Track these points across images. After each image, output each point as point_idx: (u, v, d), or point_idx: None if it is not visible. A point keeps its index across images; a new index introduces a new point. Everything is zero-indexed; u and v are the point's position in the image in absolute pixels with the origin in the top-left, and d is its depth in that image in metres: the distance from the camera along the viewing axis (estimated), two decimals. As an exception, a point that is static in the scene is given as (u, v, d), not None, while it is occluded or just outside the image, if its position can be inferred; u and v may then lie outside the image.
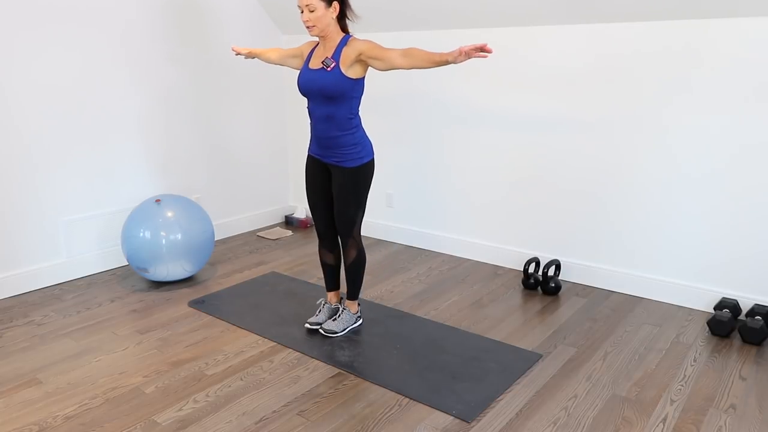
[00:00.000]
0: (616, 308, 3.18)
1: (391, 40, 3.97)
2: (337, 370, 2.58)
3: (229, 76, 4.28)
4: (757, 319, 2.76)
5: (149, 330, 2.98)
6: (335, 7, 2.55)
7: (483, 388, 2.42)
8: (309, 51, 2.73)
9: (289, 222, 4.80)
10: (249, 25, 4.34)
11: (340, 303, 3.03)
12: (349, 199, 2.71)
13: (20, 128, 3.30)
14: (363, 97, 4.20)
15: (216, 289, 3.47)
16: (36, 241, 3.46)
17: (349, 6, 2.62)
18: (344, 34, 2.62)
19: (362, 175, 2.69)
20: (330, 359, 2.66)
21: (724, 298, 3.01)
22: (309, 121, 2.74)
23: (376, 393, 2.41)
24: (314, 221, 2.89)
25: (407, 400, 2.36)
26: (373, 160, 2.73)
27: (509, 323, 3.02)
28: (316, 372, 2.57)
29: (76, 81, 3.49)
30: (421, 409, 2.30)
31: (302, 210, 4.77)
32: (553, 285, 3.33)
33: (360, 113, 4.23)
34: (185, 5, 3.93)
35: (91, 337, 2.92)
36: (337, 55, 2.56)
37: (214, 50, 4.15)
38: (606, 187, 3.32)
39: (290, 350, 2.77)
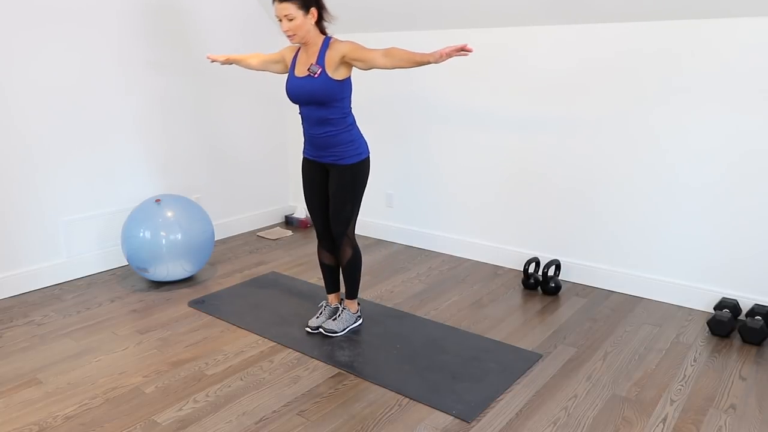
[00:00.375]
0: (616, 308, 3.18)
1: (381, 40, 3.97)
2: (337, 370, 2.58)
3: (229, 75, 4.29)
4: (757, 319, 2.76)
5: (149, 330, 2.98)
6: (313, 13, 2.54)
7: (483, 388, 2.43)
8: (291, 57, 2.72)
9: (289, 222, 4.80)
10: (249, 24, 4.34)
11: (340, 304, 3.03)
12: (346, 197, 2.72)
13: (20, 128, 3.30)
14: (363, 97, 4.21)
15: (216, 289, 3.47)
16: (36, 241, 3.46)
17: (326, 9, 2.62)
18: (324, 36, 2.62)
19: (360, 172, 2.71)
20: (330, 359, 2.66)
21: (724, 298, 3.01)
22: (301, 124, 2.74)
23: (376, 393, 2.41)
24: (313, 222, 2.89)
25: (407, 400, 2.36)
26: (369, 157, 2.74)
27: (509, 323, 3.02)
28: (316, 372, 2.58)
29: (76, 81, 3.48)
30: (421, 409, 2.30)
31: (302, 210, 4.77)
32: (553, 285, 3.33)
33: (354, 112, 4.23)
34: (185, 5, 3.93)
35: (91, 337, 2.92)
36: (321, 60, 2.56)
37: (214, 50, 4.15)
38: (606, 187, 3.32)
39: (290, 350, 2.77)
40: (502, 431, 2.16)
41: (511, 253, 3.76)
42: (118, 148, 3.74)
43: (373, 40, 4.05)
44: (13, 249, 3.37)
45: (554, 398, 2.36)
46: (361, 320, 3.00)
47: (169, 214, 3.37)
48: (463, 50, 2.28)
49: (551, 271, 3.49)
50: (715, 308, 2.99)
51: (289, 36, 2.56)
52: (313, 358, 2.69)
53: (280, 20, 2.53)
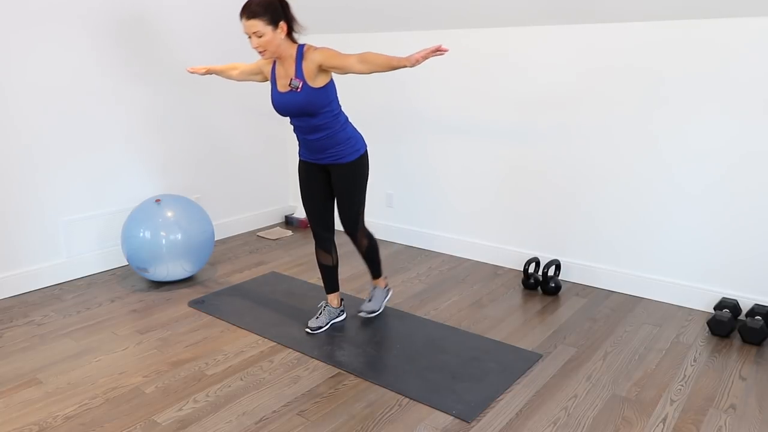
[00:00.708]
0: (616, 308, 3.18)
1: (379, 40, 3.97)
2: (337, 370, 2.58)
3: (229, 76, 4.28)
4: (757, 319, 2.76)
5: (149, 330, 2.98)
6: (282, 27, 2.48)
7: (483, 388, 2.43)
8: (269, 69, 2.68)
9: (289, 222, 4.80)
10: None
11: (341, 304, 3.03)
12: (353, 192, 2.74)
13: (20, 128, 3.30)
14: (363, 98, 4.21)
15: (216, 289, 3.47)
16: (36, 241, 3.46)
17: (296, 20, 2.57)
18: (297, 45, 2.56)
19: (361, 166, 2.72)
20: (330, 359, 2.66)
21: (724, 298, 3.01)
22: (294, 131, 2.74)
23: (376, 393, 2.41)
24: (310, 224, 2.88)
25: (407, 400, 2.36)
26: (366, 150, 2.76)
27: (509, 323, 3.02)
28: (316, 372, 2.58)
29: (76, 81, 3.48)
30: (421, 409, 2.30)
31: (302, 210, 4.77)
32: (553, 285, 3.33)
33: (354, 112, 4.24)
34: (184, 5, 3.93)
35: (91, 337, 2.92)
36: (299, 73, 2.53)
37: (213, 50, 4.15)
38: (606, 187, 3.32)
39: (290, 350, 2.77)
40: (502, 431, 2.16)
41: (511, 253, 3.76)
42: (119, 148, 3.74)
43: (370, 41, 4.05)
44: (13, 249, 3.37)
45: (554, 398, 2.36)
46: (391, 291, 3.16)
47: (169, 214, 3.37)
48: (438, 51, 2.29)
49: (551, 271, 3.49)
50: (715, 308, 2.99)
51: (260, 52, 2.51)
52: (313, 358, 2.69)
53: (249, 37, 2.48)
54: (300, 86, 2.53)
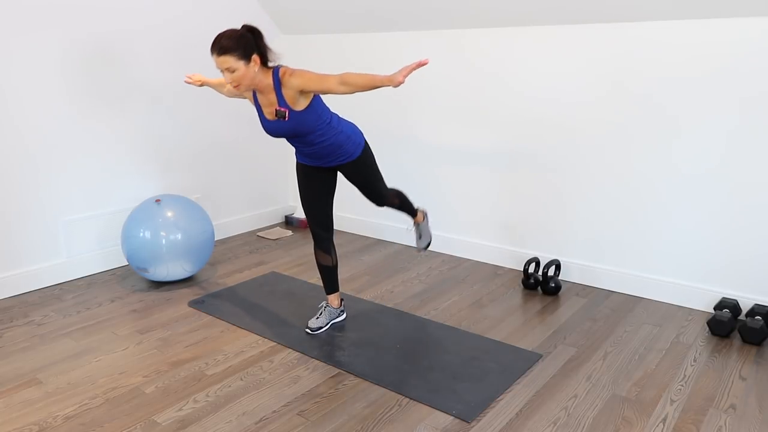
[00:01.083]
0: (616, 308, 3.18)
1: (377, 40, 3.97)
2: (337, 370, 2.58)
3: (229, 76, 4.28)
4: (757, 319, 2.76)
5: (149, 330, 2.98)
6: (256, 60, 2.43)
7: (483, 388, 2.43)
8: (251, 96, 2.63)
9: (289, 222, 4.80)
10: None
11: (341, 304, 3.03)
12: (369, 178, 2.81)
13: (21, 128, 3.30)
14: (363, 98, 4.20)
15: (216, 289, 3.47)
16: (36, 241, 3.46)
17: (269, 49, 2.50)
18: (272, 71, 2.50)
19: (367, 156, 2.77)
20: (330, 359, 2.66)
21: (724, 298, 3.01)
22: (291, 144, 2.73)
23: (376, 393, 2.41)
24: (309, 224, 2.88)
25: (407, 400, 2.36)
26: (365, 139, 2.78)
27: (509, 323, 3.02)
28: (316, 372, 2.58)
29: (76, 81, 3.48)
30: (421, 409, 2.30)
31: (302, 210, 4.77)
32: (553, 285, 3.33)
33: (354, 113, 4.23)
34: (183, 4, 3.93)
35: (91, 337, 2.92)
36: (282, 102, 2.49)
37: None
38: (606, 187, 3.32)
39: (290, 350, 2.77)
40: (502, 431, 2.16)
41: (511, 253, 3.76)
42: (119, 148, 3.74)
43: (365, 41, 4.05)
44: (13, 249, 3.37)
45: (554, 398, 2.36)
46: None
47: (169, 214, 3.37)
48: (419, 65, 2.26)
49: (551, 271, 3.49)
50: (715, 308, 2.99)
51: (234, 87, 2.47)
52: (313, 358, 2.69)
53: (222, 71, 2.45)
54: (286, 114, 2.50)
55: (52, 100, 3.40)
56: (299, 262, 3.93)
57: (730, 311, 2.93)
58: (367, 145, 2.78)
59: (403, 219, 4.23)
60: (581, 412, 2.27)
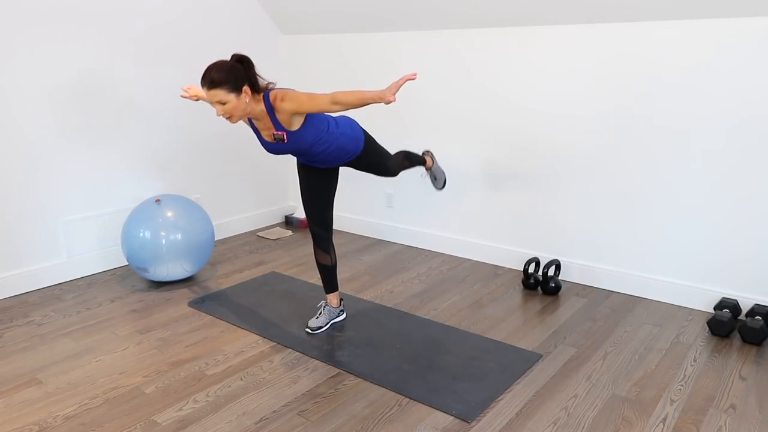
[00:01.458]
0: (616, 308, 3.18)
1: (365, 41, 3.97)
2: (337, 370, 2.58)
3: (229, 76, 4.28)
4: (757, 319, 2.76)
5: (149, 330, 2.98)
6: (246, 92, 2.41)
7: (483, 388, 2.43)
8: (246, 120, 2.63)
9: (289, 222, 4.80)
10: (249, 25, 4.34)
11: (341, 304, 3.04)
12: (377, 162, 2.86)
13: (22, 128, 3.30)
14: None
15: (216, 289, 3.47)
16: (36, 241, 3.46)
17: (259, 76, 2.47)
18: (262, 97, 2.47)
19: (369, 145, 2.80)
20: (330, 359, 2.66)
21: (724, 298, 3.01)
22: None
23: (376, 393, 2.41)
24: (309, 223, 2.89)
25: (407, 400, 2.36)
26: (363, 132, 2.77)
27: (509, 323, 3.02)
28: (316, 372, 2.58)
29: (77, 81, 3.48)
30: (421, 409, 2.30)
31: (302, 210, 4.77)
32: (553, 285, 3.33)
33: (353, 114, 4.23)
34: (183, 4, 3.93)
35: (91, 337, 2.92)
36: (278, 126, 2.50)
37: (213, 50, 4.15)
38: (606, 186, 3.32)
39: (290, 350, 2.77)
40: (502, 431, 2.16)
41: (511, 253, 3.76)
42: (119, 147, 3.74)
43: (365, 41, 4.05)
44: (13, 249, 3.37)
45: (554, 398, 2.36)
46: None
47: (169, 214, 3.37)
48: (408, 79, 2.29)
49: (551, 271, 3.49)
50: (715, 308, 2.99)
51: (226, 119, 2.46)
52: (313, 358, 2.69)
53: (213, 104, 2.44)
54: (285, 137, 2.52)
55: (52, 100, 3.40)
56: (299, 262, 3.93)
57: (730, 311, 2.94)
58: (366, 134, 2.79)
59: (404, 219, 4.24)
60: (581, 412, 2.27)
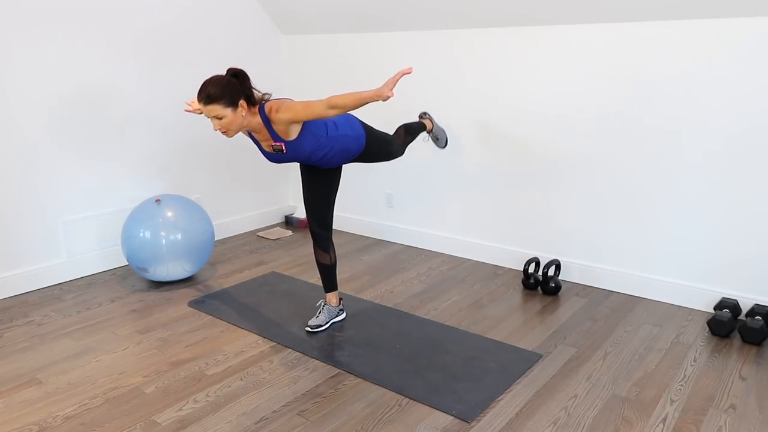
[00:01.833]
0: (616, 308, 3.18)
1: (364, 41, 3.97)
2: (337, 370, 2.58)
3: (229, 76, 4.28)
4: (757, 319, 2.76)
5: (149, 330, 2.98)
6: (243, 105, 2.42)
7: (483, 388, 2.43)
8: (245, 131, 2.64)
9: (289, 222, 4.80)
10: (249, 25, 4.34)
11: (340, 303, 3.04)
12: (381, 152, 2.88)
13: (22, 128, 3.30)
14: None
15: (216, 289, 3.47)
16: (36, 241, 3.46)
17: (255, 90, 2.48)
18: (258, 109, 2.48)
19: (371, 139, 2.80)
20: (330, 359, 2.66)
21: (724, 298, 3.01)
22: None
23: (376, 393, 2.41)
24: (309, 223, 2.89)
25: (407, 400, 2.36)
26: (363, 128, 2.76)
27: (509, 323, 3.02)
28: (316, 372, 2.58)
29: (77, 81, 3.49)
30: (421, 409, 2.30)
31: (302, 210, 4.77)
32: (553, 285, 3.33)
33: (353, 114, 4.24)
34: (183, 4, 3.93)
35: (91, 337, 2.92)
36: (275, 137, 2.51)
37: (214, 50, 4.15)
38: (606, 187, 3.32)
39: (290, 350, 2.77)
40: (502, 431, 2.16)
41: (511, 253, 3.76)
42: (119, 148, 3.74)
43: (365, 41, 4.05)
44: (13, 249, 3.37)
45: (554, 398, 2.36)
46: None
47: (169, 214, 3.37)
48: (404, 74, 2.29)
49: (551, 271, 3.49)
50: (715, 308, 2.99)
51: (223, 133, 2.47)
52: (313, 358, 2.69)
53: (210, 119, 2.44)
54: (283, 147, 2.53)
55: (52, 100, 3.40)
56: (299, 262, 3.93)
57: (730, 311, 2.93)
58: (366, 128, 2.79)
59: (404, 219, 4.24)
60: (581, 412, 2.27)
